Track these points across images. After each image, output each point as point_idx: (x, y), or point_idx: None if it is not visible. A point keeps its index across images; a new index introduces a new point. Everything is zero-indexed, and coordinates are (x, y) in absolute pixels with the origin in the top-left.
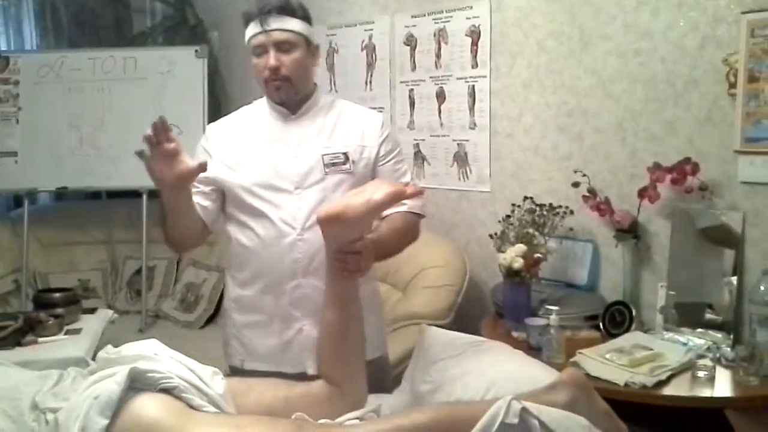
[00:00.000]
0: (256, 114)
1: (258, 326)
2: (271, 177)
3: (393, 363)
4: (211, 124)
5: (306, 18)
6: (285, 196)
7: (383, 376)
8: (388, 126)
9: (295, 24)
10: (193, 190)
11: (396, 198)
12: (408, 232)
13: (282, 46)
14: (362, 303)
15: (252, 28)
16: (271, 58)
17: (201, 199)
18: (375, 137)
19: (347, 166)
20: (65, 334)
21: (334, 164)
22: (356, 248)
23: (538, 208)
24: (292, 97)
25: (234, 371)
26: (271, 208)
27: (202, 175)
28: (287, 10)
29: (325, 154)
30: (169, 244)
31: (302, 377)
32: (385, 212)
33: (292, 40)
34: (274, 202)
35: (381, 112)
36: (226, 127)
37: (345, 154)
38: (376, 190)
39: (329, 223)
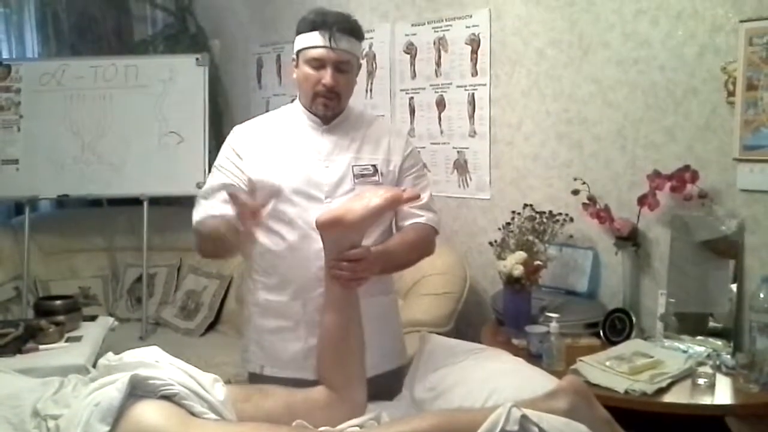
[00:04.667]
0: (287, 121)
1: (282, 332)
2: (303, 184)
3: None
4: (241, 125)
5: (362, 40)
6: (315, 204)
7: (398, 384)
8: (411, 143)
9: (356, 47)
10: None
11: (393, 202)
12: (420, 245)
13: (341, 66)
14: (382, 316)
15: (315, 39)
16: (329, 77)
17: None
18: (400, 151)
19: (376, 177)
20: (66, 341)
21: (363, 175)
22: (352, 256)
23: (538, 216)
24: (335, 112)
25: (253, 378)
26: (300, 214)
27: (239, 178)
28: (354, 32)
29: (355, 165)
30: (208, 257)
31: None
32: (403, 223)
33: (351, 62)
34: (304, 209)
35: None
36: (255, 130)
37: (374, 166)
38: (374, 196)
39: (329, 227)
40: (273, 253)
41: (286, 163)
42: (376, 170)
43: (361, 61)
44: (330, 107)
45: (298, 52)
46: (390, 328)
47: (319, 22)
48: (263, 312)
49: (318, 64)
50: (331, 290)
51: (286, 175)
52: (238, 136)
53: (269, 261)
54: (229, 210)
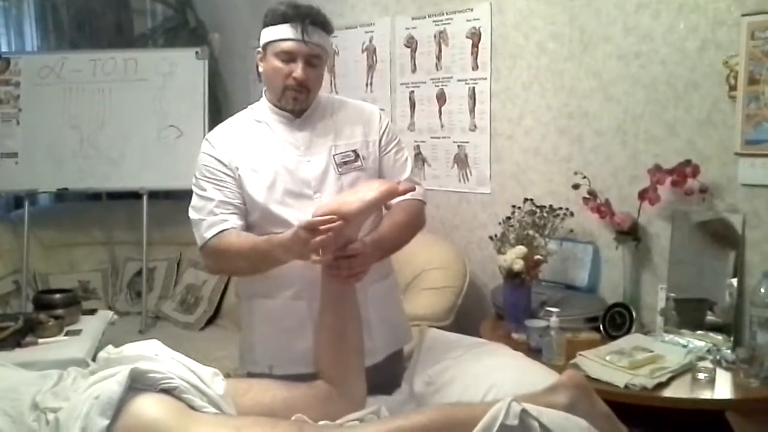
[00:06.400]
0: (258, 120)
1: (290, 332)
2: (290, 183)
3: None
4: (212, 133)
5: (332, 33)
6: (306, 201)
7: (400, 369)
8: (385, 117)
9: (327, 41)
10: (231, 210)
11: (389, 195)
12: (412, 222)
13: (312, 60)
14: (385, 298)
15: (286, 31)
16: (301, 70)
17: (236, 217)
18: (376, 130)
19: (359, 162)
20: (65, 335)
21: (346, 163)
22: (349, 252)
23: (538, 210)
24: (304, 107)
25: (255, 377)
26: (293, 214)
27: (232, 187)
28: (324, 25)
29: (336, 154)
30: (225, 274)
31: None
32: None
33: (322, 56)
34: (296, 208)
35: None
36: (229, 135)
37: (354, 151)
38: (369, 189)
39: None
40: None
41: (270, 166)
42: (357, 155)
43: (328, 56)
44: (299, 101)
45: (266, 45)
46: (393, 310)
47: (290, 14)
48: (268, 315)
49: (288, 57)
50: (329, 287)
51: (271, 179)
52: (215, 145)
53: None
54: (236, 221)
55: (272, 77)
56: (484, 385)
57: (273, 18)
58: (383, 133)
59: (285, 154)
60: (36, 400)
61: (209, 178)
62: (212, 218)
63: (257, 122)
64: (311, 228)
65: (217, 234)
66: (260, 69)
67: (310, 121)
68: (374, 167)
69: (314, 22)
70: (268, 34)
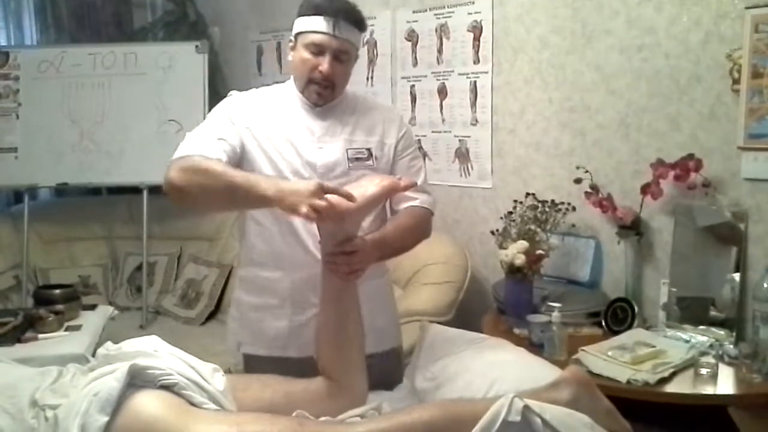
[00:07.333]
0: (282, 98)
1: (267, 309)
2: (297, 164)
3: None
4: (240, 93)
5: (364, 31)
6: None
7: (397, 367)
8: (406, 123)
9: (358, 37)
10: (221, 143)
11: (390, 190)
12: (416, 229)
13: (340, 56)
14: (376, 297)
15: (318, 24)
16: (327, 64)
17: (225, 156)
18: (394, 135)
19: (370, 161)
20: (65, 330)
21: (358, 159)
22: (348, 248)
23: (540, 205)
24: (327, 102)
25: (249, 364)
26: None
27: (232, 138)
28: (358, 22)
29: (350, 149)
30: (186, 200)
31: (308, 362)
32: (398, 207)
33: (351, 52)
34: None
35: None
36: (252, 102)
37: (368, 149)
38: (370, 184)
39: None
40: (266, 231)
41: (280, 142)
42: (370, 154)
43: (358, 53)
44: (323, 97)
45: (298, 34)
46: (383, 310)
47: (324, 6)
48: (250, 287)
49: (317, 50)
50: (329, 281)
51: (279, 154)
52: (236, 104)
53: (260, 237)
54: (222, 154)
55: (299, 68)
56: (486, 381)
57: (307, 8)
58: (401, 137)
59: (299, 137)
60: (35, 397)
61: (215, 120)
62: (204, 143)
63: (280, 100)
64: (326, 190)
65: (201, 156)
66: (289, 57)
67: (332, 112)
68: (386, 169)
69: (347, 17)
70: (301, 24)
